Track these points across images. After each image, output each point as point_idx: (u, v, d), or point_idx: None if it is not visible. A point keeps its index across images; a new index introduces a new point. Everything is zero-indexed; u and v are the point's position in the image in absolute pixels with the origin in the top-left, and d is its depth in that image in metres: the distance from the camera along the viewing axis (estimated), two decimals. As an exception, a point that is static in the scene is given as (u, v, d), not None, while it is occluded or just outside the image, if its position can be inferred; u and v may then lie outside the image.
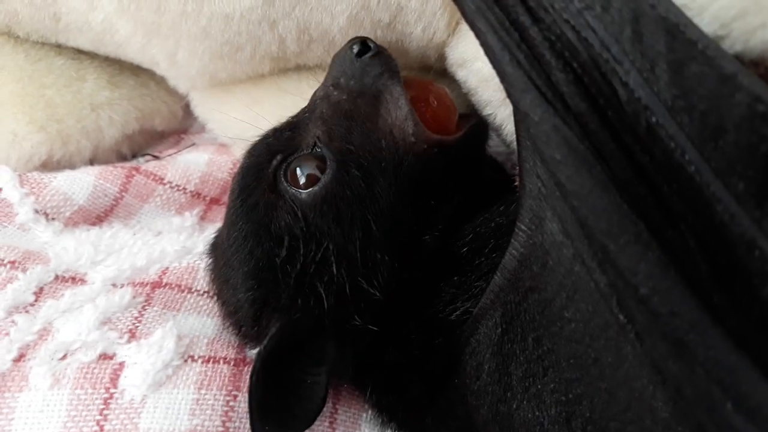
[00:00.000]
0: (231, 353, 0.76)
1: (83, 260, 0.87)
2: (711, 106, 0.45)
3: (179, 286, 0.86)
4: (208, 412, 0.70)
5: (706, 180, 0.45)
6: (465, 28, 0.77)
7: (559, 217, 0.52)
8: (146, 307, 0.81)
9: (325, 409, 0.67)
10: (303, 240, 0.67)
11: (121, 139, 1.11)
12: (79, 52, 1.07)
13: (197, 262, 0.91)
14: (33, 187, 0.92)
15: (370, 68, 0.73)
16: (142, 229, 0.97)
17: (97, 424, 0.67)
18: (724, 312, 0.44)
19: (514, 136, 0.59)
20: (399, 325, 0.67)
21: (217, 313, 0.79)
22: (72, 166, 1.02)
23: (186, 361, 0.74)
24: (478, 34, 0.57)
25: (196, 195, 1.04)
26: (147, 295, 0.83)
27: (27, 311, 0.78)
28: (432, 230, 0.70)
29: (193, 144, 1.18)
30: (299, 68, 0.98)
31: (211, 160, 1.08)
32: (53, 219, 0.92)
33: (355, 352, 0.68)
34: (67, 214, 0.93)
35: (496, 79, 0.57)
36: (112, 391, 0.70)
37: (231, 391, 0.72)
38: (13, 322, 0.75)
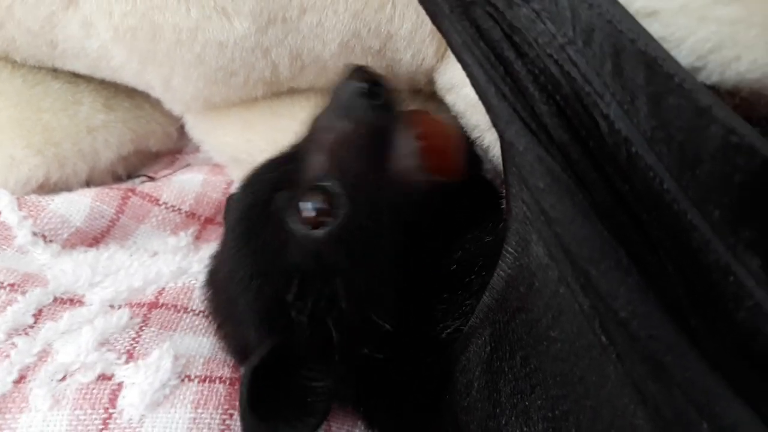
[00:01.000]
0: (227, 372, 0.77)
1: (81, 282, 0.88)
2: (688, 137, 0.47)
3: (175, 306, 0.87)
4: (204, 430, 0.71)
5: (683, 208, 0.46)
6: (453, 55, 0.78)
7: (544, 241, 0.53)
8: (143, 328, 0.82)
9: (318, 426, 0.68)
10: (314, 277, 0.65)
11: (116, 160, 1.12)
12: (76, 76, 1.08)
13: (193, 282, 0.92)
14: (31, 210, 0.93)
15: (378, 106, 0.71)
16: (138, 249, 0.98)
17: (97, 443, 0.69)
18: (700, 335, 0.45)
19: (500, 159, 0.60)
20: (396, 346, 0.67)
21: (223, 349, 0.78)
22: (68, 188, 1.03)
23: (183, 380, 0.75)
24: (465, 67, 0.58)
25: (191, 215, 1.05)
26: (144, 316, 0.84)
27: (27, 333, 0.79)
28: (430, 254, 0.70)
29: (188, 164, 1.19)
30: (292, 91, 0.99)
31: (205, 180, 1.09)
32: (51, 241, 0.93)
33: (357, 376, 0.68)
34: (65, 236, 0.94)
35: (483, 105, 0.58)
36: (110, 411, 0.71)
37: (227, 409, 0.73)
38: (13, 344, 0.76)
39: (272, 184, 0.71)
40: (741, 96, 0.55)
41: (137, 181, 1.13)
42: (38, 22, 0.94)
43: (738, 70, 0.54)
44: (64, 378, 0.74)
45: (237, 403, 0.73)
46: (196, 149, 1.19)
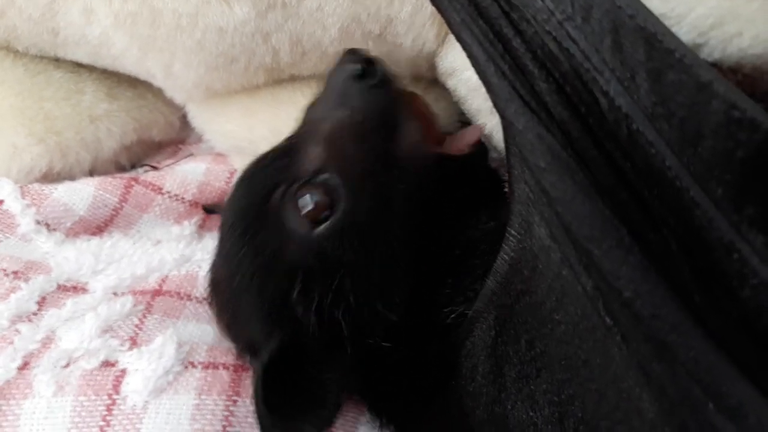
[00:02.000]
0: (230, 359, 0.77)
1: (84, 270, 0.88)
2: (689, 113, 0.46)
3: (179, 293, 0.87)
4: (208, 417, 0.71)
5: (685, 185, 0.45)
6: (454, 39, 0.78)
7: (547, 222, 0.53)
8: (147, 315, 0.82)
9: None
10: (318, 273, 0.64)
11: (119, 150, 1.12)
12: (78, 65, 1.08)
13: (196, 270, 0.92)
14: (34, 199, 0.93)
15: (374, 85, 0.70)
16: (142, 238, 0.98)
17: (101, 430, 0.69)
18: (705, 313, 0.45)
19: (504, 143, 0.59)
20: (402, 333, 0.66)
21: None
22: (72, 178, 1.03)
23: (186, 367, 0.75)
24: (464, 46, 0.58)
25: (194, 204, 1.05)
26: (147, 303, 0.84)
27: (30, 320, 0.79)
28: (435, 239, 0.69)
29: (191, 154, 1.19)
30: (293, 79, 0.99)
31: (208, 169, 1.09)
32: (54, 229, 0.93)
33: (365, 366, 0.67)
34: (68, 224, 0.94)
35: (484, 88, 0.58)
36: (114, 397, 0.71)
37: (231, 396, 0.73)
38: (16, 331, 0.76)
39: (269, 180, 0.69)
40: (743, 72, 0.54)
41: (140, 170, 1.13)
42: (39, 10, 0.94)
43: (740, 46, 0.53)
44: (67, 364, 0.74)
45: (241, 390, 0.74)
46: (199, 139, 1.19)
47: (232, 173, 1.09)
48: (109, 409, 0.70)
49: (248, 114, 1.01)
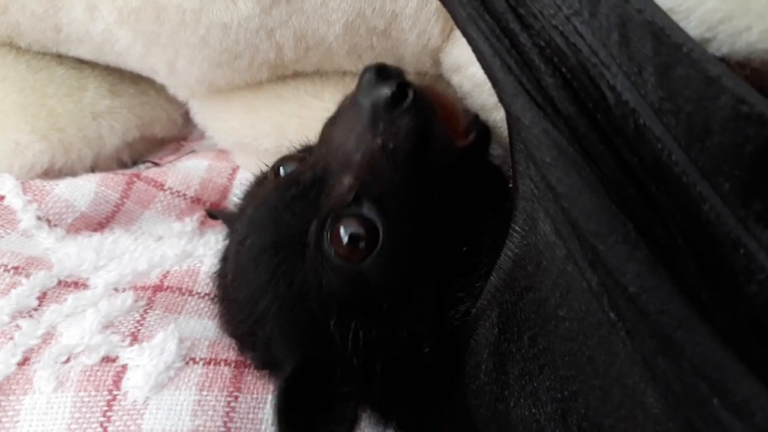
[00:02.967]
0: (232, 355, 0.77)
1: (85, 265, 0.88)
2: (697, 108, 0.46)
3: (180, 289, 0.87)
4: (209, 412, 0.71)
5: (692, 180, 0.45)
6: (459, 34, 0.77)
7: (551, 218, 0.53)
8: (148, 311, 0.82)
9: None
10: (357, 303, 0.63)
11: (121, 146, 1.12)
12: (80, 62, 1.08)
13: (198, 265, 0.92)
14: (36, 195, 0.93)
15: (405, 110, 0.66)
16: (143, 234, 0.98)
17: (101, 425, 0.69)
18: (711, 309, 0.45)
19: (508, 139, 0.59)
20: (419, 339, 0.65)
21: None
22: (73, 174, 1.03)
23: (187, 363, 0.75)
24: (470, 41, 0.58)
25: (196, 200, 1.05)
26: (148, 299, 0.84)
27: (31, 316, 0.79)
28: (453, 241, 0.67)
29: (193, 150, 1.20)
30: (297, 75, 0.98)
31: (210, 166, 1.09)
32: (55, 225, 0.93)
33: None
34: (69, 220, 0.94)
35: (490, 84, 0.57)
36: (115, 393, 0.71)
37: (232, 392, 0.73)
38: (17, 326, 0.76)
39: (301, 213, 0.66)
40: (752, 67, 0.54)
41: (142, 167, 1.13)
42: (42, 6, 0.94)
43: (749, 40, 0.53)
44: (68, 360, 0.74)
45: (242, 386, 0.73)
46: (201, 136, 1.19)
47: (234, 170, 1.10)
48: (109, 405, 0.70)
49: (251, 110, 1.01)
